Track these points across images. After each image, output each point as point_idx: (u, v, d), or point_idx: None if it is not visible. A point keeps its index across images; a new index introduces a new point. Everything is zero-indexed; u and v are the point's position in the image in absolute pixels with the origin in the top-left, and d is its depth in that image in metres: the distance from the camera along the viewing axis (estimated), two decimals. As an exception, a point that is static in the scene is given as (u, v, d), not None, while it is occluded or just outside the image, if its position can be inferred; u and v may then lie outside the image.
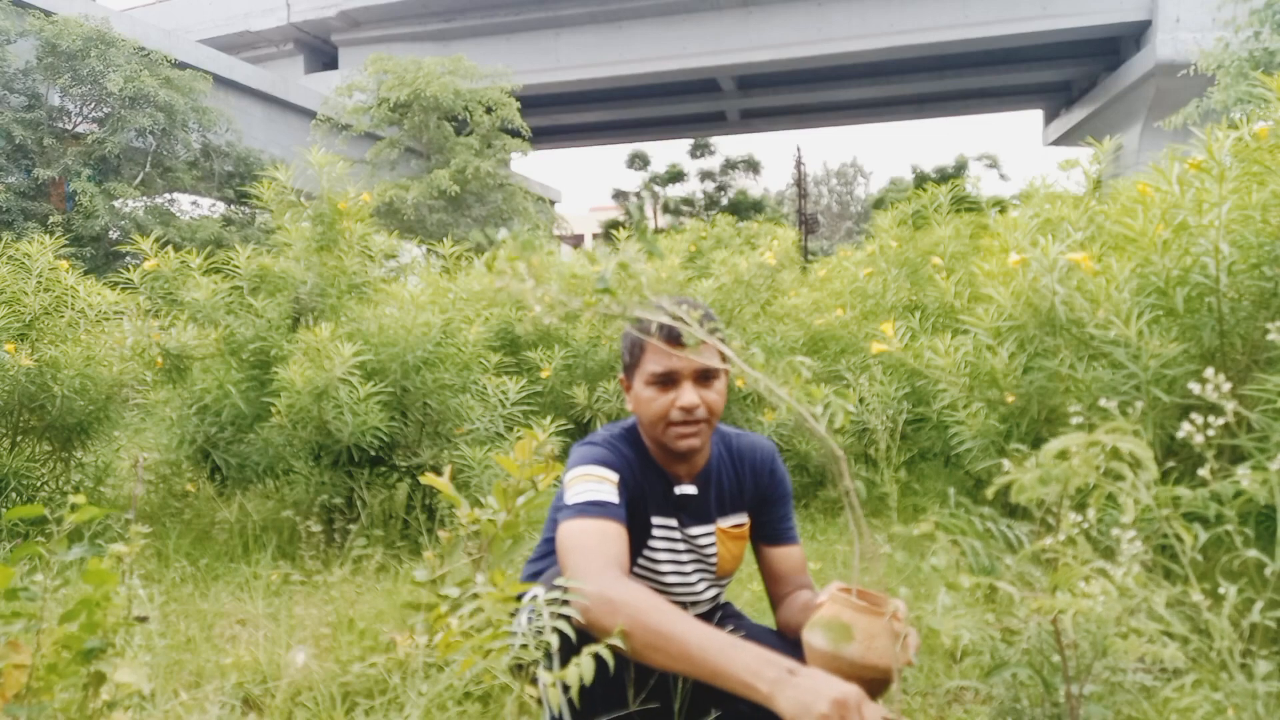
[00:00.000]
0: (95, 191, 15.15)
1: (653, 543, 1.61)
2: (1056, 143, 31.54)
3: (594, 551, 1.36)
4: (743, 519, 1.69)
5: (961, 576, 1.18)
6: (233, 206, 19.24)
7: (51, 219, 14.73)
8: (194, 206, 19.22)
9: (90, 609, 1.19)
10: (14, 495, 3.50)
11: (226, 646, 2.37)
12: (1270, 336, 1.40)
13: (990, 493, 1.13)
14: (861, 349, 4.23)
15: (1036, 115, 34.10)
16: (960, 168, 27.49)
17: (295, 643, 2.30)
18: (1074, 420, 1.23)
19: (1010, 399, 2.66)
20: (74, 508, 1.22)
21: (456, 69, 19.81)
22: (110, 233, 15.71)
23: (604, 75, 27.74)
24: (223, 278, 3.71)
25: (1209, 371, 1.19)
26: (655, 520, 1.60)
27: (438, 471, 2.91)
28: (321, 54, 30.58)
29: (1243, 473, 1.15)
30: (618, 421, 1.69)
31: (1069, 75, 28.89)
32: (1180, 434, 1.19)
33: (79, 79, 15.39)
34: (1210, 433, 1.15)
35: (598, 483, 1.48)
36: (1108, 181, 3.29)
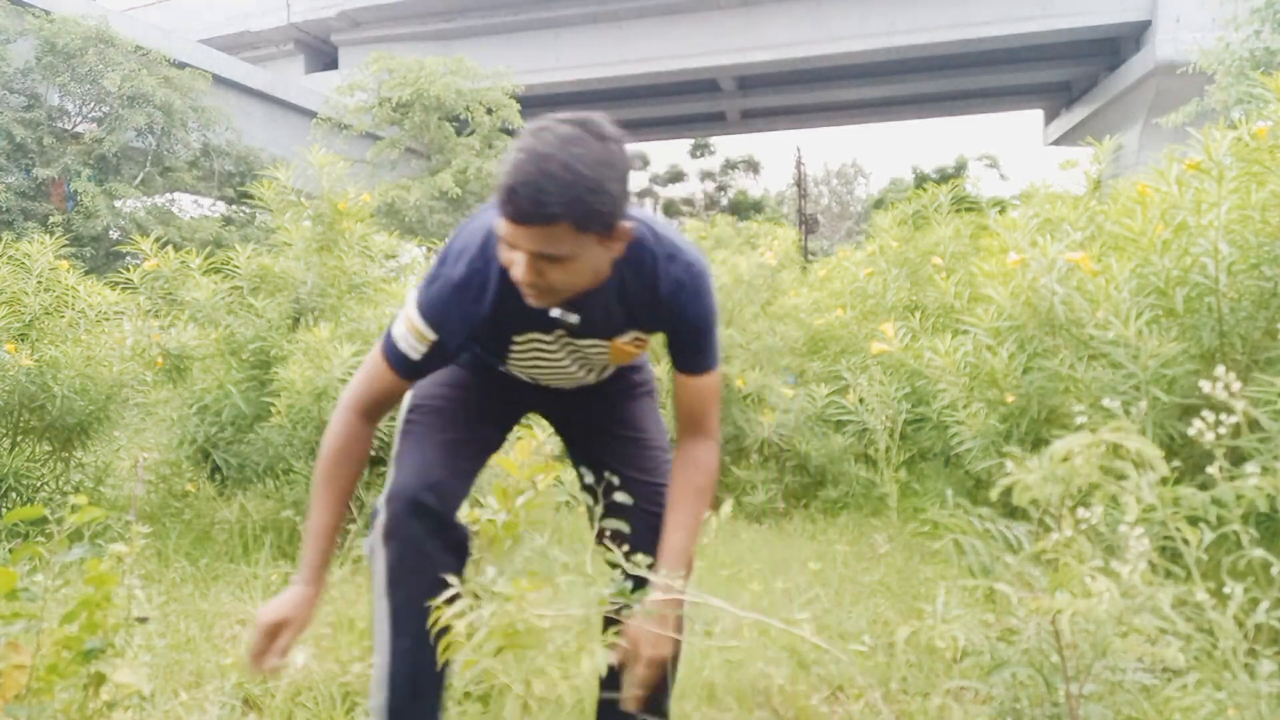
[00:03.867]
0: (96, 191, 15.15)
1: (516, 352, 1.55)
2: (1056, 143, 31.53)
3: (359, 387, 1.50)
4: (644, 334, 1.55)
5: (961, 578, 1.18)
6: (233, 206, 19.24)
7: (51, 219, 14.72)
8: (195, 206, 19.23)
9: (90, 609, 1.19)
10: (14, 495, 3.50)
11: (226, 646, 2.36)
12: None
13: (993, 494, 1.13)
14: (861, 349, 4.23)
15: (1036, 115, 34.11)
16: (960, 168, 27.49)
17: (295, 643, 2.29)
18: (1076, 420, 1.23)
19: (1010, 399, 2.66)
20: (74, 508, 1.22)
21: (458, 69, 19.81)
22: (110, 233, 15.70)
23: (604, 75, 27.73)
24: (223, 278, 3.71)
25: (1220, 370, 1.19)
26: (530, 337, 1.51)
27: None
28: (321, 54, 30.56)
29: (1251, 470, 1.15)
30: None
31: (1069, 75, 28.88)
32: (1191, 432, 1.19)
33: (78, 78, 15.38)
34: (1221, 431, 1.15)
35: (414, 336, 1.44)
36: (1107, 181, 3.29)
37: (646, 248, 1.44)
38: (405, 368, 1.47)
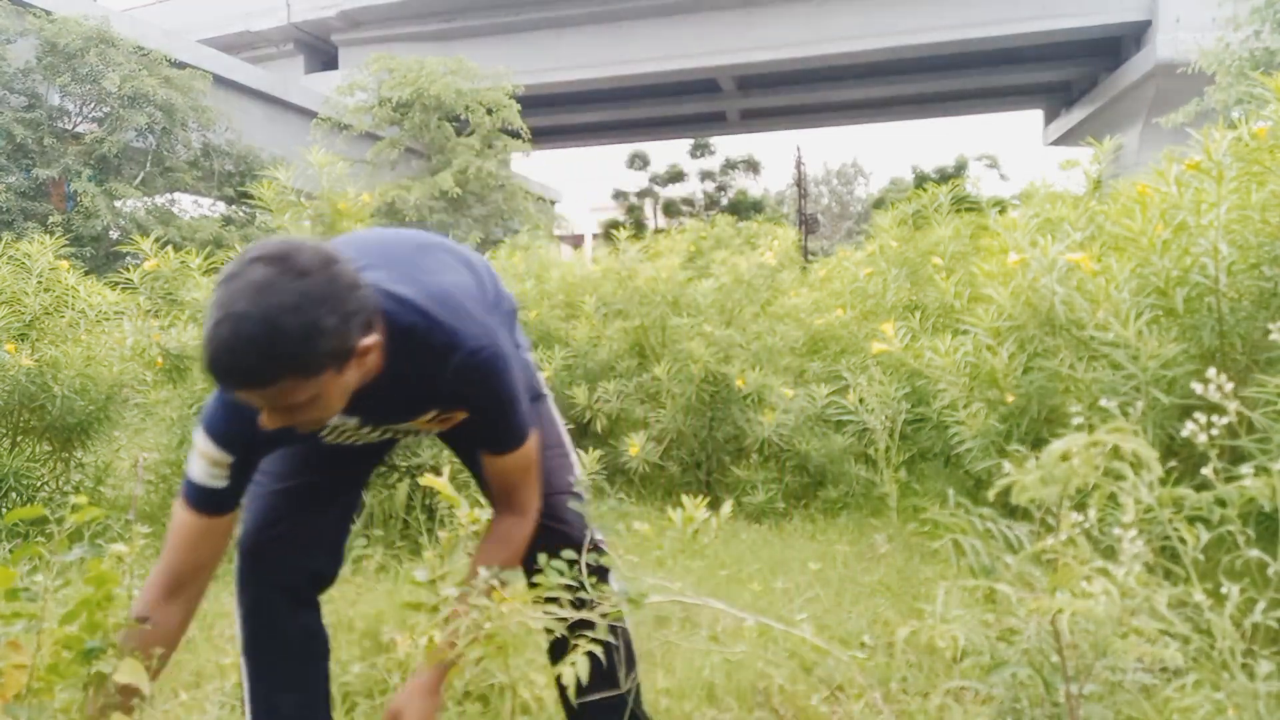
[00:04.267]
0: (96, 191, 15.15)
1: (325, 436, 1.47)
2: (1056, 143, 31.53)
3: (164, 555, 1.38)
4: (444, 411, 1.46)
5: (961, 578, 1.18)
6: (233, 206, 19.24)
7: (51, 219, 14.72)
8: (195, 206, 19.23)
9: (91, 609, 1.19)
10: (14, 495, 3.50)
11: (226, 646, 2.36)
12: (1272, 336, 1.40)
13: (992, 494, 1.13)
14: (861, 349, 4.23)
15: (1036, 115, 34.11)
16: (960, 168, 27.49)
17: (295, 643, 2.29)
18: (1075, 420, 1.23)
19: (1010, 399, 2.67)
20: (75, 508, 1.22)
21: (458, 69, 19.81)
22: (110, 233, 15.70)
23: (604, 75, 27.73)
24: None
25: (1211, 371, 1.19)
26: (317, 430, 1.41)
27: (437, 472, 2.91)
28: (321, 54, 30.56)
29: (1246, 471, 1.15)
30: None
31: (1069, 75, 28.88)
32: (1184, 433, 1.19)
33: (78, 78, 15.38)
34: (1214, 432, 1.15)
35: (210, 464, 1.34)
36: (1107, 182, 3.29)
37: (417, 339, 1.32)
38: (209, 500, 1.36)
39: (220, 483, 1.35)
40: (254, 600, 1.53)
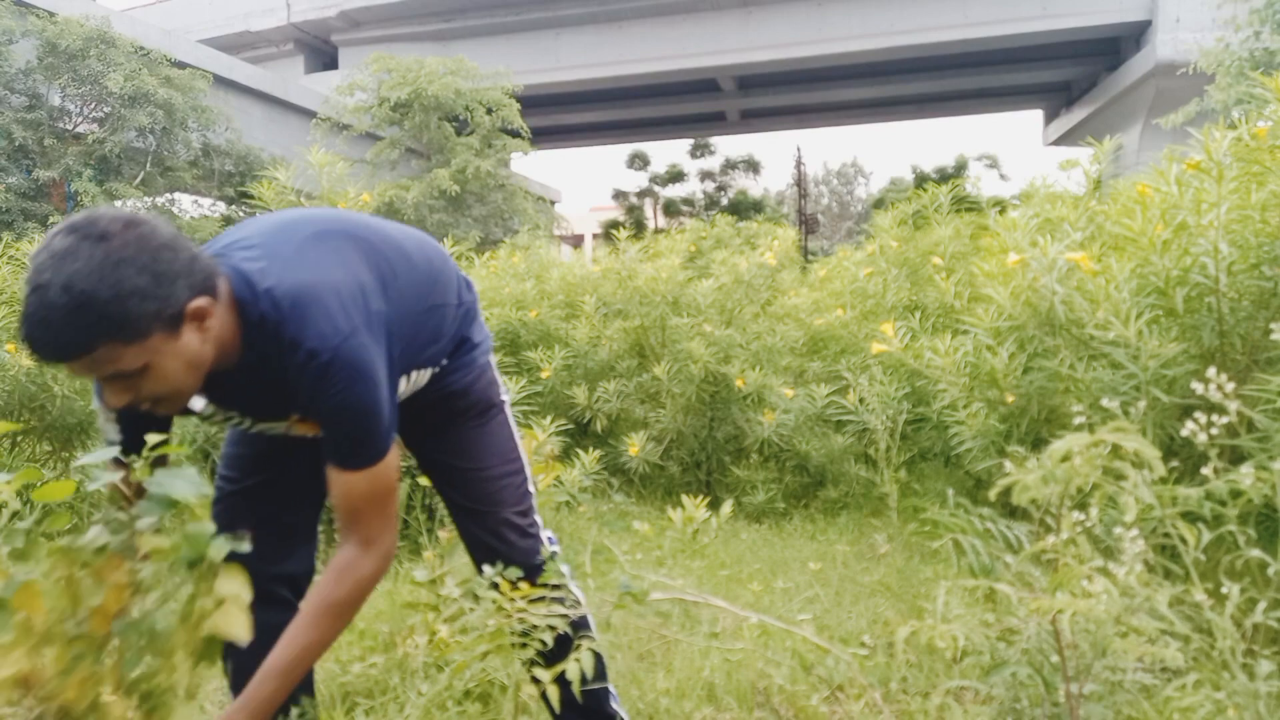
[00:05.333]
0: (96, 191, 15.15)
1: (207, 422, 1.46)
2: (1056, 143, 31.52)
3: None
4: (305, 415, 1.35)
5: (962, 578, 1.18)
6: (233, 206, 19.24)
7: (52, 219, 14.72)
8: (195, 206, 19.22)
9: (185, 514, 1.12)
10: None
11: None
12: (1274, 336, 1.40)
13: (993, 494, 1.13)
14: (861, 349, 4.23)
15: (1036, 115, 34.09)
16: (960, 168, 27.48)
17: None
18: (1075, 420, 1.23)
19: (1010, 399, 2.67)
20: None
21: (458, 69, 19.81)
22: (110, 233, 15.69)
23: (604, 75, 27.72)
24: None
25: (1211, 371, 1.19)
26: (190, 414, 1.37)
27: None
28: (321, 54, 30.56)
29: (1246, 471, 1.15)
30: None
31: (1069, 75, 28.87)
32: (1184, 433, 1.19)
33: (79, 79, 15.38)
34: (1214, 432, 1.15)
35: (103, 419, 1.43)
36: (1107, 181, 3.29)
37: (267, 332, 1.25)
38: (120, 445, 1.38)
39: (115, 436, 1.39)
40: None
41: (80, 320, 1.06)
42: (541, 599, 1.41)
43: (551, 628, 1.39)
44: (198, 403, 1.30)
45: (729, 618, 2.55)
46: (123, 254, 1.09)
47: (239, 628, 1.07)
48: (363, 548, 1.31)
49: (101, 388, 1.16)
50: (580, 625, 1.59)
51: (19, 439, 3.64)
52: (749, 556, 3.29)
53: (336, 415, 1.27)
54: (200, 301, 1.16)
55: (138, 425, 1.33)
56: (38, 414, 3.57)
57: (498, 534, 1.58)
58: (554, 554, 1.61)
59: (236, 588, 1.09)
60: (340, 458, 1.30)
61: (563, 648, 1.48)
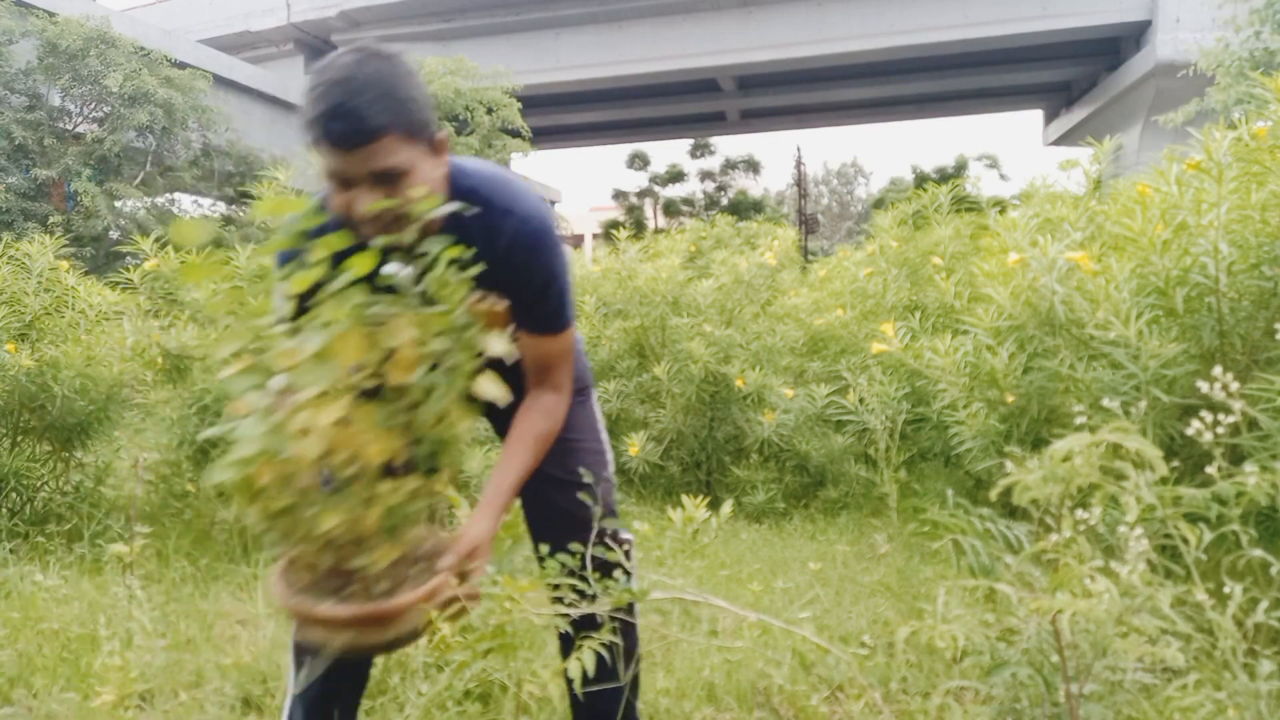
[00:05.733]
0: (96, 191, 15.14)
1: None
2: (1056, 143, 31.51)
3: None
4: (488, 295, 1.40)
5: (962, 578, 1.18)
6: (233, 206, 19.23)
7: (52, 219, 14.71)
8: (195, 206, 19.22)
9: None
10: (14, 495, 3.50)
11: (226, 646, 2.36)
12: (1278, 336, 1.40)
13: (993, 494, 1.13)
14: (861, 349, 4.23)
15: (1036, 115, 34.08)
16: (960, 168, 27.48)
17: (295, 643, 2.29)
18: (1076, 420, 1.23)
19: (1010, 399, 2.66)
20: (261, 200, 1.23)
21: (458, 69, 19.81)
22: (111, 233, 15.69)
23: (604, 75, 27.71)
24: (223, 278, 3.70)
25: (1217, 370, 1.19)
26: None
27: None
28: (321, 54, 30.47)
29: (1249, 470, 1.15)
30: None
31: (1069, 75, 28.86)
32: (1189, 432, 1.19)
33: (79, 79, 15.38)
34: (1219, 431, 1.15)
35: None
36: (1107, 181, 3.29)
37: (479, 199, 1.38)
38: None
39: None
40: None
41: (379, 106, 1.20)
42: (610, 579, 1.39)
43: (614, 621, 1.40)
44: (396, 268, 1.31)
45: (729, 618, 2.55)
46: (408, 70, 1.26)
47: (496, 391, 1.19)
48: (558, 393, 1.53)
49: (349, 198, 1.25)
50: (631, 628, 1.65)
51: (19, 439, 3.64)
52: (749, 556, 3.29)
53: (547, 279, 1.42)
54: (443, 134, 1.31)
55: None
56: (38, 414, 3.57)
57: (582, 504, 1.60)
58: (628, 542, 1.62)
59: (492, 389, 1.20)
60: (545, 324, 1.46)
61: (627, 637, 1.56)
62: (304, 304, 1.20)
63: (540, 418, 1.49)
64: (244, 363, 1.02)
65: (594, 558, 1.42)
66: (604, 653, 1.30)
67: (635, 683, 1.71)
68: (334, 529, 1.02)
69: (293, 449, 0.98)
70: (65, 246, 3.84)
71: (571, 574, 1.34)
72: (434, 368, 1.14)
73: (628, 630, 1.59)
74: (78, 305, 3.72)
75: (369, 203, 1.24)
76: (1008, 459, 1.17)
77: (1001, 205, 3.40)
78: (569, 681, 1.50)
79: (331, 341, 1.01)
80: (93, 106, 16.12)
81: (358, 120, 1.18)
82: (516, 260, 1.39)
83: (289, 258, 1.28)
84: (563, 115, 31.96)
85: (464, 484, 3.27)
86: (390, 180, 1.24)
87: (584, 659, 1.22)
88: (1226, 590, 1.13)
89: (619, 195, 29.53)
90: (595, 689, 1.54)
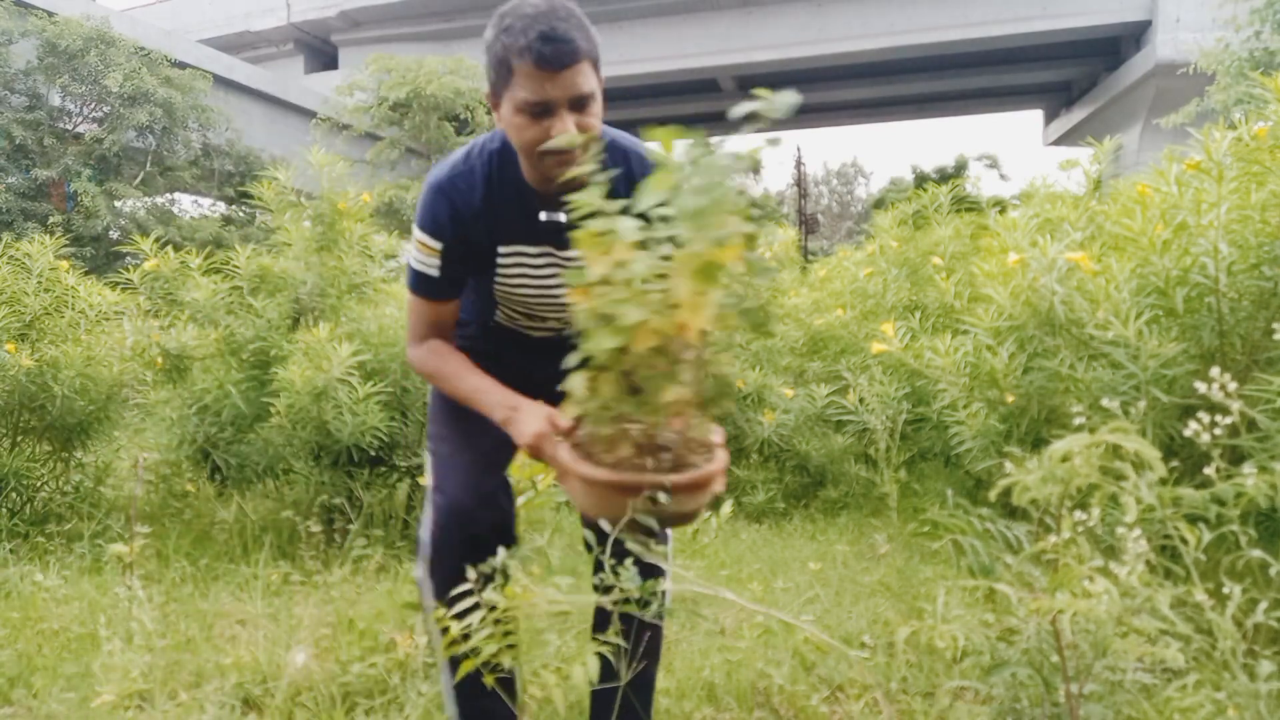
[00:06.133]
0: (96, 191, 15.14)
1: (502, 268, 1.56)
2: (1056, 143, 31.53)
3: (412, 324, 1.58)
4: None
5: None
6: (233, 206, 19.24)
7: (52, 219, 14.71)
8: (195, 206, 19.23)
9: None
10: (14, 495, 3.50)
11: (226, 646, 2.36)
12: (1277, 336, 1.40)
13: (993, 495, 1.13)
14: (861, 349, 4.22)
15: (1036, 115, 34.11)
16: (960, 168, 27.49)
17: (295, 643, 2.29)
18: (1075, 420, 1.23)
19: (1010, 399, 2.66)
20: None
21: (457, 69, 19.81)
22: (111, 233, 15.70)
23: (604, 75, 27.73)
24: (223, 278, 3.71)
25: (1215, 371, 1.19)
26: (515, 250, 1.53)
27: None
28: (321, 54, 30.55)
29: (1249, 471, 1.15)
30: (490, 134, 1.56)
31: (1069, 75, 28.88)
32: (1187, 433, 1.19)
33: (79, 79, 15.38)
34: (1217, 432, 1.15)
35: (424, 253, 1.50)
36: (1108, 182, 3.29)
37: (619, 144, 1.51)
38: (430, 287, 1.53)
39: (433, 271, 1.51)
40: (452, 574, 1.41)
41: (581, 34, 1.32)
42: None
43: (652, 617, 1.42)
44: (558, 214, 1.47)
45: (730, 617, 2.56)
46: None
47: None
48: None
49: (546, 126, 1.34)
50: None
51: (19, 439, 3.64)
52: (749, 556, 3.29)
53: None
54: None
55: (456, 273, 1.54)
56: (38, 414, 3.57)
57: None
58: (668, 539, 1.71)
59: None
60: None
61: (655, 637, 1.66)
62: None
63: None
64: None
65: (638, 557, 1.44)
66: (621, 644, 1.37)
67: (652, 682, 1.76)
68: (677, 398, 1.13)
69: (664, 320, 1.08)
70: (65, 246, 3.84)
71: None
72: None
73: (659, 626, 1.69)
74: (78, 305, 3.72)
75: (570, 128, 1.33)
76: (1008, 459, 1.17)
77: (1001, 205, 3.39)
78: (607, 665, 1.54)
79: (706, 206, 1.09)
80: (92, 106, 16.12)
81: (568, 42, 1.29)
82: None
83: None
84: (563, 115, 31.94)
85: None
86: (582, 107, 1.35)
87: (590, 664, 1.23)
88: (1226, 591, 1.13)
89: (619, 195, 29.49)
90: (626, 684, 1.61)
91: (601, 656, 1.27)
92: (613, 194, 1.35)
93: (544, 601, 1.26)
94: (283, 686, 2.04)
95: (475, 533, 1.48)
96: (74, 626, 2.45)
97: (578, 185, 1.27)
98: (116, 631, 2.25)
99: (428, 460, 1.63)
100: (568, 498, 1.30)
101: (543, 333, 1.68)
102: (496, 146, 1.51)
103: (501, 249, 1.53)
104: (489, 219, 1.48)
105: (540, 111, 1.33)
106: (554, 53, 1.28)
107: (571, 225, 1.39)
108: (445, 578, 1.45)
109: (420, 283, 1.53)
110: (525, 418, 1.36)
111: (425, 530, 1.56)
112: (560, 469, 1.25)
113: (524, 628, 1.39)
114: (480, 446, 1.56)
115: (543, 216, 1.49)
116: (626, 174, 1.46)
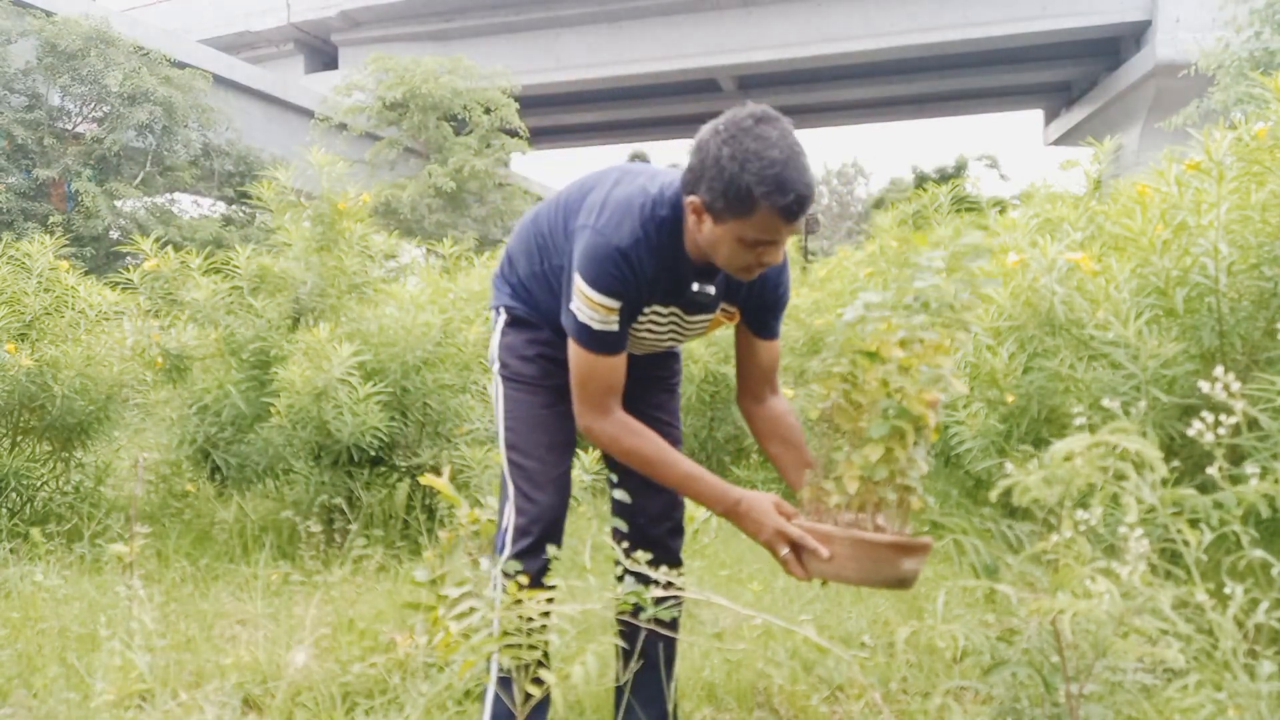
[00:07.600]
0: (96, 191, 15.12)
1: (641, 319, 1.65)
2: (1057, 143, 31.50)
3: (592, 391, 1.59)
4: (731, 307, 1.72)
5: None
6: (233, 206, 19.22)
7: (52, 219, 14.70)
8: (195, 206, 19.21)
9: None
10: (14, 495, 3.50)
11: (226, 646, 2.36)
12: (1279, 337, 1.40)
13: (994, 495, 1.13)
14: (862, 349, 4.21)
15: (1036, 115, 34.07)
16: (960, 168, 27.49)
17: (295, 643, 2.29)
18: (1076, 420, 1.23)
19: (1010, 399, 2.66)
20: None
21: (456, 69, 19.79)
22: (111, 233, 15.68)
23: (604, 75, 27.72)
24: (223, 278, 3.71)
25: (1218, 370, 1.19)
26: (652, 309, 1.64)
27: (437, 472, 2.91)
28: (321, 54, 30.54)
29: (1250, 471, 1.15)
30: (661, 191, 1.58)
31: (1069, 75, 28.86)
32: (1190, 432, 1.19)
33: (79, 78, 15.36)
34: (1221, 431, 1.15)
35: (604, 314, 1.54)
36: (1108, 182, 3.29)
37: None
38: (616, 343, 1.58)
39: (614, 327, 1.56)
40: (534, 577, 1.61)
41: (813, 192, 1.43)
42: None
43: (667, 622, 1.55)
44: (709, 287, 1.62)
45: (730, 618, 2.55)
46: None
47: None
48: (778, 393, 1.82)
49: (759, 254, 1.47)
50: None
51: (19, 439, 3.64)
52: (749, 556, 3.29)
53: (786, 297, 1.73)
54: None
55: (627, 323, 1.61)
56: (38, 414, 3.57)
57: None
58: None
59: None
60: (779, 329, 1.77)
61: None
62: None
63: (795, 419, 1.78)
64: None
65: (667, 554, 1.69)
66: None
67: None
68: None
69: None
70: (65, 246, 3.84)
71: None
72: None
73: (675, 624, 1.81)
74: (78, 305, 3.72)
75: (780, 258, 1.50)
76: (1008, 459, 1.17)
77: (1001, 205, 3.39)
78: (648, 662, 1.77)
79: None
80: (92, 106, 16.11)
81: (811, 199, 1.41)
82: (782, 295, 1.71)
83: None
84: (563, 115, 31.95)
85: (464, 483, 3.28)
86: (779, 241, 1.48)
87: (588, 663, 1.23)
88: (1227, 591, 1.13)
89: (619, 195, 29.45)
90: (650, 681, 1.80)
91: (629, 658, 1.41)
92: (730, 283, 1.63)
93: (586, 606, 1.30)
94: (283, 686, 2.04)
95: (557, 535, 1.71)
96: (74, 626, 2.45)
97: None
98: (116, 631, 2.25)
99: (508, 466, 1.75)
100: (815, 574, 1.40)
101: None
102: (666, 214, 1.56)
103: (646, 308, 1.63)
104: (653, 284, 1.57)
105: (755, 244, 1.45)
106: (800, 210, 1.39)
107: (716, 298, 1.62)
108: (538, 570, 1.64)
109: (604, 341, 1.56)
110: (757, 511, 1.48)
111: (508, 531, 1.72)
112: (809, 543, 1.37)
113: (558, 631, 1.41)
114: (564, 461, 1.78)
115: (695, 287, 1.60)
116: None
